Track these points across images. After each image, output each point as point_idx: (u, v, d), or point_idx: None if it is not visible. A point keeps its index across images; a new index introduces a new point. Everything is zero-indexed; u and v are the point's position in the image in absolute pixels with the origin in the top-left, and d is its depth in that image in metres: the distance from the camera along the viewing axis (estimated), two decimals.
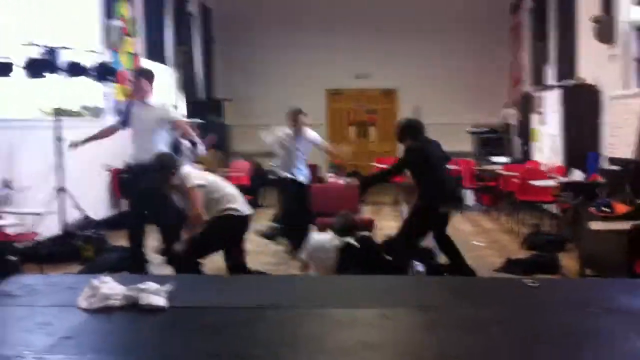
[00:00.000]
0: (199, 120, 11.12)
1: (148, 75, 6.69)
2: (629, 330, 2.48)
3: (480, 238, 8.58)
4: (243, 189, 10.62)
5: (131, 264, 6.33)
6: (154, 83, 6.68)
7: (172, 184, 5.44)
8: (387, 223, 9.10)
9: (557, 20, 11.43)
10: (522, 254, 7.16)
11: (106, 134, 6.80)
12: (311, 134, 7.86)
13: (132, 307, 2.82)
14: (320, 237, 5.99)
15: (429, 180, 6.03)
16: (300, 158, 7.68)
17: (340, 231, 5.86)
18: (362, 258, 5.70)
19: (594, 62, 9.31)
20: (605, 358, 2.27)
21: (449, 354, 2.26)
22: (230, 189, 5.66)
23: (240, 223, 5.61)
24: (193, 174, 5.50)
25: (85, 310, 2.82)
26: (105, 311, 2.80)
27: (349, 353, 2.31)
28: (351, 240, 5.78)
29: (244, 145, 14.11)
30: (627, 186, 5.35)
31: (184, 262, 5.39)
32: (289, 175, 7.59)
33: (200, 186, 5.37)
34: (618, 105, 8.19)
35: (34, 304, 2.95)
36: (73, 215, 7.84)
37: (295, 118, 7.67)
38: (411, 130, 6.30)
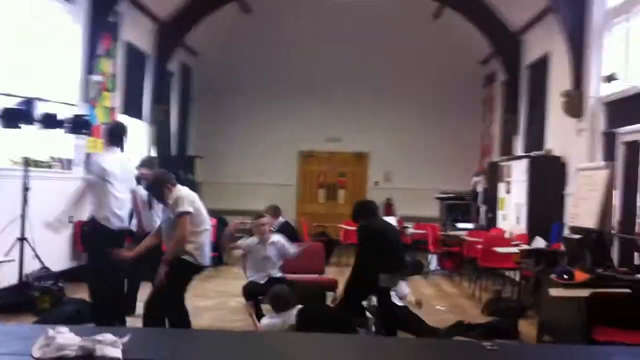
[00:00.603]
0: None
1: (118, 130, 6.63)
2: None
3: (442, 302, 8.60)
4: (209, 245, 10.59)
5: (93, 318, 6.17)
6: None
7: (165, 200, 5.47)
8: None
9: (529, 94, 11.79)
10: (482, 319, 7.19)
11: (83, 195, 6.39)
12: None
13: (88, 358, 2.77)
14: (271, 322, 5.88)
15: (376, 254, 6.16)
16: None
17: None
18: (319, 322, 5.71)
19: (562, 135, 9.57)
20: None
21: None
22: (206, 225, 5.65)
23: (194, 272, 5.63)
24: (186, 198, 5.50)
25: None
26: None
27: None
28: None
29: (213, 202, 14.04)
30: (588, 255, 5.45)
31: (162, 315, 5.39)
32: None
33: (188, 213, 5.41)
34: (583, 177, 8.39)
35: None
36: (32, 266, 7.72)
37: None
38: (364, 211, 6.54)
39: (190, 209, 5.42)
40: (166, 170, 6.07)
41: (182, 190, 5.55)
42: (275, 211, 8.48)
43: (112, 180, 6.12)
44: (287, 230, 8.35)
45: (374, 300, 6.44)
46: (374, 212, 6.66)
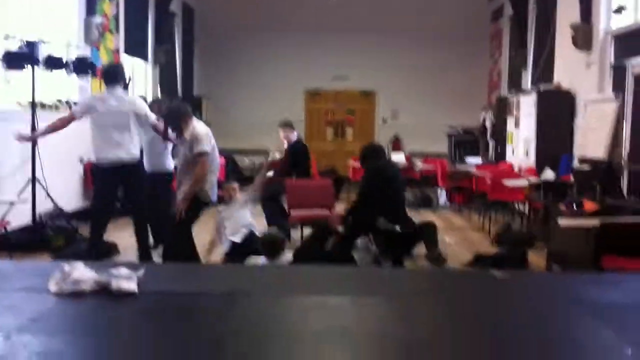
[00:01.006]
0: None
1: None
2: (596, 321, 2.53)
3: (452, 235, 8.66)
4: (218, 185, 10.67)
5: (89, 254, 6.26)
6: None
7: (182, 133, 5.52)
8: None
9: (537, 27, 11.59)
10: (492, 251, 7.24)
11: (63, 125, 6.62)
12: None
13: (103, 292, 2.81)
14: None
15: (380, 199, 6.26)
16: None
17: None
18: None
19: (570, 68, 9.46)
20: (573, 348, 2.31)
21: (420, 341, 2.27)
22: (217, 163, 5.74)
23: (203, 209, 5.74)
24: (205, 136, 5.59)
25: (56, 294, 2.80)
26: (75, 295, 2.79)
27: (319, 337, 2.32)
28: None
29: (222, 142, 14.05)
30: (597, 185, 5.44)
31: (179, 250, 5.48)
32: None
33: (207, 153, 5.57)
34: (592, 109, 8.33)
35: (2, 288, 2.93)
36: (45, 206, 7.80)
37: None
38: (372, 154, 6.69)
39: (208, 149, 5.47)
40: (184, 102, 6.06)
41: (198, 126, 5.57)
42: (290, 126, 8.52)
43: (97, 118, 6.18)
44: (300, 148, 8.43)
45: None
46: (381, 156, 6.68)
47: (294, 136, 8.58)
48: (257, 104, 15.49)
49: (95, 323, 2.60)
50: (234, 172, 12.96)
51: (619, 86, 8.03)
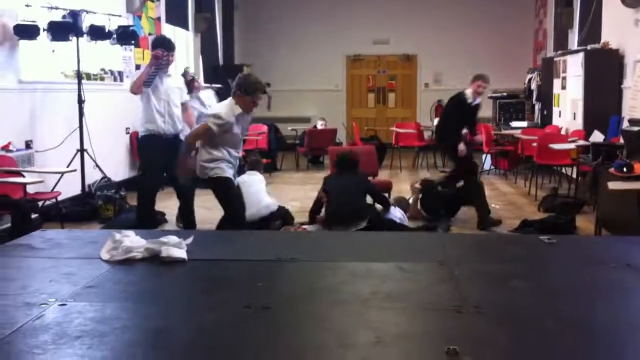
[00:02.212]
0: (218, 85, 11.14)
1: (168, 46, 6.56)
2: None
3: (498, 201, 8.56)
4: (261, 153, 10.72)
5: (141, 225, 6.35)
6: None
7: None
8: (404, 186, 9.09)
9: None
10: (539, 216, 7.16)
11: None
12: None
13: (154, 259, 2.87)
14: None
15: None
16: None
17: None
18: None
19: (618, 27, 9.19)
20: (624, 311, 2.28)
21: (469, 304, 2.26)
22: (231, 143, 5.49)
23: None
24: (222, 114, 5.30)
25: (108, 262, 2.87)
26: (127, 263, 2.86)
27: (366, 302, 2.34)
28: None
29: (263, 110, 14.11)
30: None
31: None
32: None
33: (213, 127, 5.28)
34: None
35: (58, 256, 3.01)
36: (93, 176, 7.95)
37: None
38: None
39: (213, 126, 5.37)
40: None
41: (223, 105, 5.50)
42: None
43: (151, 91, 6.18)
44: None
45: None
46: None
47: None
48: (298, 71, 15.44)
49: (146, 290, 2.66)
50: (276, 140, 12.99)
51: None
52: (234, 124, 5.28)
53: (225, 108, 5.30)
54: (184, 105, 6.45)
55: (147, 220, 6.28)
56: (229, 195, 5.51)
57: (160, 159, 6.19)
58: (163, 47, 6.22)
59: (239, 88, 5.27)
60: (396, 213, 6.61)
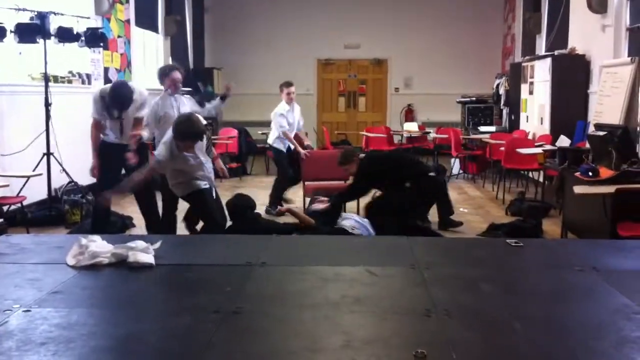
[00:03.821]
0: (188, 89, 11.07)
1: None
2: (613, 287, 2.52)
3: (466, 205, 8.64)
4: (231, 157, 10.68)
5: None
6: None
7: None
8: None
9: None
10: (507, 220, 7.23)
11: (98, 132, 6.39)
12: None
13: (121, 264, 2.84)
14: None
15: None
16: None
17: None
18: None
19: (586, 32, 9.33)
20: (591, 313, 2.31)
21: (439, 308, 2.27)
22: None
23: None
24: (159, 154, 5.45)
25: (74, 267, 2.83)
26: (93, 268, 2.82)
27: (336, 306, 2.33)
28: None
29: (233, 114, 14.09)
30: (613, 151, 5.39)
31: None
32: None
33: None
34: (608, 74, 8.22)
35: (22, 262, 2.96)
36: (60, 180, 7.84)
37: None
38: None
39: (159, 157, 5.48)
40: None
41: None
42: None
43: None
44: None
45: None
46: None
47: None
48: (269, 75, 15.40)
49: (114, 295, 2.63)
50: (247, 144, 12.95)
51: (635, 49, 7.91)
52: (177, 156, 5.36)
53: (164, 147, 5.37)
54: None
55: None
56: (206, 206, 5.63)
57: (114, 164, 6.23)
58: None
59: (175, 134, 5.29)
60: (350, 221, 6.25)
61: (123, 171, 6.29)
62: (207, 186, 5.63)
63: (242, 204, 5.99)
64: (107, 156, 6.21)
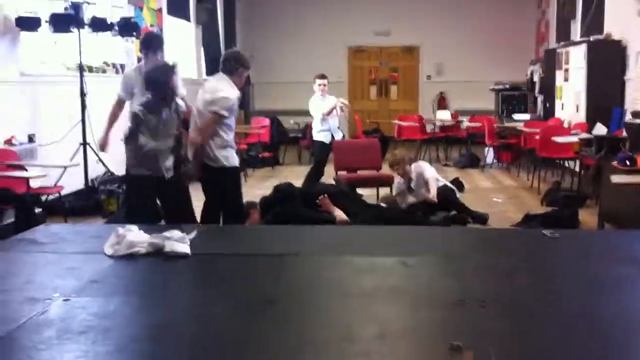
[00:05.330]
0: None
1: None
2: None
3: (500, 195, 8.55)
4: (263, 146, 10.69)
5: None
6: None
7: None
8: None
9: None
10: (542, 210, 7.14)
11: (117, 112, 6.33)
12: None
13: (157, 254, 2.88)
14: None
15: None
16: None
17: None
18: None
19: (621, 17, 9.14)
20: (626, 305, 2.28)
21: (473, 298, 2.27)
22: None
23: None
24: (227, 94, 4.78)
25: (111, 256, 2.88)
26: (130, 258, 2.86)
27: (370, 296, 2.34)
28: None
29: (265, 102, 14.13)
30: None
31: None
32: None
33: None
34: None
35: (62, 251, 3.02)
36: (96, 170, 7.94)
37: None
38: None
39: None
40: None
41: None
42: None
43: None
44: None
45: None
46: None
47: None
48: (299, 63, 15.39)
49: (150, 284, 2.67)
50: (278, 133, 12.97)
51: None
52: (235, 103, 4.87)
53: (228, 87, 4.80)
54: None
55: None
56: (238, 187, 5.03)
57: None
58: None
59: (242, 64, 4.88)
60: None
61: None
62: None
63: (291, 191, 5.92)
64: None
